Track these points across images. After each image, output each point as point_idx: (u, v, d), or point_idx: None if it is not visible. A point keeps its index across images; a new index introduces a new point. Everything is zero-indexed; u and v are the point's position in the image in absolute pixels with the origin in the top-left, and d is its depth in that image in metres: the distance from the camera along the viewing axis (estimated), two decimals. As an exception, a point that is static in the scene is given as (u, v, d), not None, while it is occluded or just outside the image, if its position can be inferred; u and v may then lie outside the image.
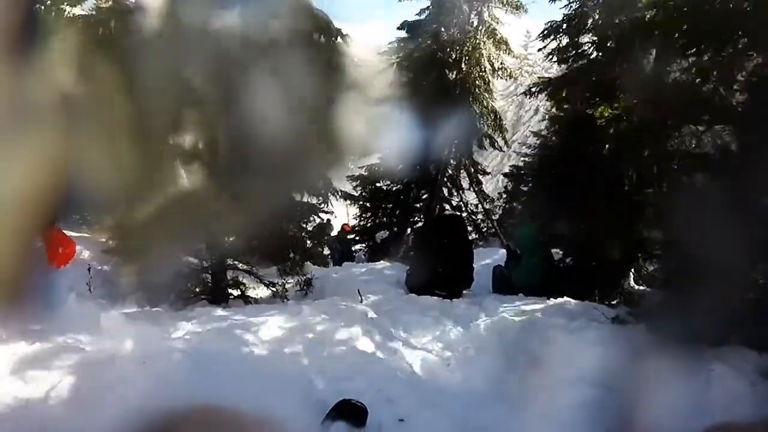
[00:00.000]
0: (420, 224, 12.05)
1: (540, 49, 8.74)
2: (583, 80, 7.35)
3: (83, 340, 3.51)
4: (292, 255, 6.45)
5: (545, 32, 8.20)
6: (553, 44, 8.13)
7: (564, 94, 7.83)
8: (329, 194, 7.72)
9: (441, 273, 6.06)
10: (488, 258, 8.03)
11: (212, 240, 5.78)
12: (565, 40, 7.97)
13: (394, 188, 12.68)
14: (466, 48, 12.12)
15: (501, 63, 12.40)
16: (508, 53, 12.53)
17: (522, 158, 11.89)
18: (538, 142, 11.48)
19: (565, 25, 7.89)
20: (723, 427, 2.60)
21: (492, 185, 14.52)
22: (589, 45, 7.53)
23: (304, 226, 7.28)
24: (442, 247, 6.23)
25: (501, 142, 12.81)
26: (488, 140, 12.66)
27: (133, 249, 5.47)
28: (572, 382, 3.08)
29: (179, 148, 5.42)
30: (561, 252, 7.11)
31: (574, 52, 7.70)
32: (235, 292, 6.00)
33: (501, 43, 12.42)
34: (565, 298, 5.19)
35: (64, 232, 4.40)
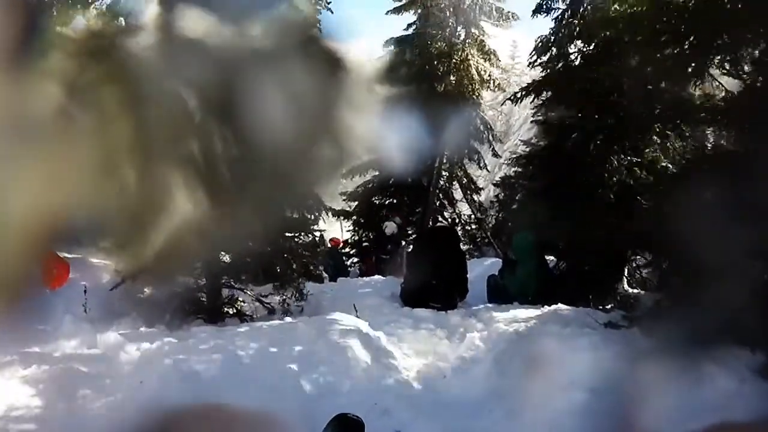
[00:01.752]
0: (413, 237, 12.07)
1: (530, 64, 8.89)
2: (566, 84, 7.46)
3: (80, 361, 3.53)
4: (285, 272, 6.46)
5: (538, 47, 8.33)
6: (544, 58, 8.25)
7: (548, 98, 7.95)
8: (322, 210, 7.75)
9: (435, 285, 6.08)
10: (482, 268, 8.06)
11: (207, 259, 5.79)
12: (553, 52, 8.11)
13: (387, 203, 12.73)
14: (453, 60, 12.24)
15: (489, 74, 12.52)
16: (496, 64, 12.68)
17: (513, 167, 11.93)
18: (527, 150, 11.56)
19: (553, 38, 8.03)
20: (722, 426, 2.64)
21: (484, 195, 14.56)
22: (575, 53, 7.66)
23: (297, 242, 7.30)
24: (436, 260, 6.26)
25: (491, 153, 12.98)
26: (477, 153, 12.81)
27: (129, 269, 5.48)
28: (565, 387, 3.12)
29: (174, 166, 5.43)
30: (554, 258, 7.15)
31: (561, 63, 7.82)
32: (231, 311, 6.00)
33: (488, 54, 12.56)
34: (559, 305, 5.23)
35: (58, 253, 4.41)
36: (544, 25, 8.20)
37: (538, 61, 8.33)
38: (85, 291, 4.91)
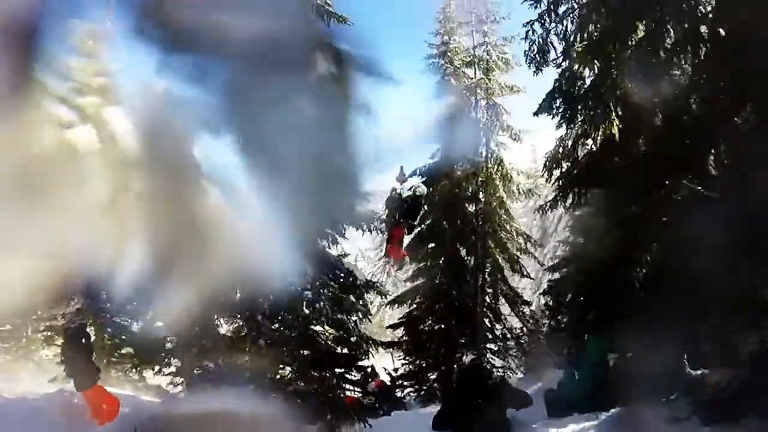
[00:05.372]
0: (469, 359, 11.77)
1: (547, 180, 9.30)
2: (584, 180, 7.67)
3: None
4: (336, 409, 6.38)
5: (546, 164, 8.76)
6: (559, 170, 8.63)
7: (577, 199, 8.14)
8: (368, 345, 7.77)
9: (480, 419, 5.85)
10: (539, 382, 7.78)
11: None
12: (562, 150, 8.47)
13: (435, 327, 12.57)
14: (479, 179, 12.63)
15: (516, 186, 12.77)
16: (519, 173, 12.99)
17: (557, 271, 11.74)
18: (567, 250, 11.47)
19: (560, 150, 8.45)
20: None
21: (535, 303, 14.30)
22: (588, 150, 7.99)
23: (347, 377, 7.26)
24: (469, 398, 6.04)
25: (533, 260, 13.08)
26: (518, 263, 12.82)
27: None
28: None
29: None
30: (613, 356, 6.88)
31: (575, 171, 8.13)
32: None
33: (511, 168, 12.92)
34: (618, 408, 5.02)
35: (107, 389, 4.44)
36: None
37: (554, 175, 8.69)
38: (135, 430, 4.89)
